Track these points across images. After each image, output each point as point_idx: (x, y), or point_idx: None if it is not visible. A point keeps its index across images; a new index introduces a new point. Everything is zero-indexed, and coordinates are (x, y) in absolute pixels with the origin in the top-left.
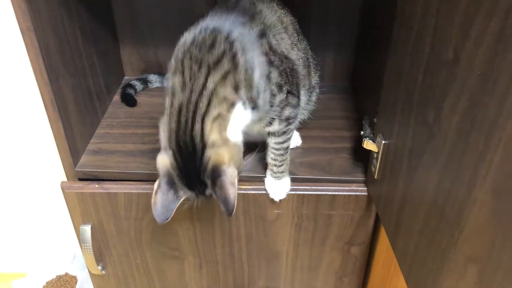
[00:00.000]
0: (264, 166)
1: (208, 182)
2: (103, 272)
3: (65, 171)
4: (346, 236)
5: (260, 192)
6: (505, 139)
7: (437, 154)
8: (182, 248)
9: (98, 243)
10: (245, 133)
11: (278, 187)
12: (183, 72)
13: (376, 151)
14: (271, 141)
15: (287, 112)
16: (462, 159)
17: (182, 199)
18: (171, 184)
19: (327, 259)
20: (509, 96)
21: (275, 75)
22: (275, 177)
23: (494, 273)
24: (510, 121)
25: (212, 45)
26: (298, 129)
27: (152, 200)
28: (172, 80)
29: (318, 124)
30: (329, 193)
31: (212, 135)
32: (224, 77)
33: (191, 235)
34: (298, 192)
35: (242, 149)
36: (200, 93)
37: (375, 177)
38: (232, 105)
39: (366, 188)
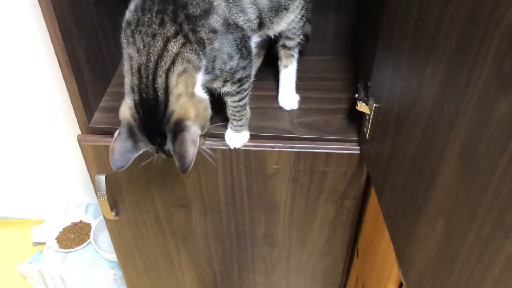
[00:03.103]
0: (263, 124)
1: (170, 135)
2: (117, 217)
3: (79, 128)
4: (340, 190)
5: (260, 148)
6: (470, 109)
7: (418, 119)
8: (189, 198)
9: (112, 191)
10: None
11: (236, 139)
12: (135, 43)
13: (368, 113)
14: (228, 100)
15: (239, 75)
16: (436, 126)
17: (141, 151)
18: (130, 134)
19: (322, 211)
20: (477, 68)
21: (226, 45)
22: (234, 130)
23: (457, 224)
24: (476, 93)
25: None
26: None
27: (110, 147)
28: (127, 51)
29: (317, 86)
30: (324, 151)
31: (178, 89)
32: (184, 44)
33: (197, 186)
34: (296, 150)
35: (209, 109)
36: (160, 55)
37: (367, 138)
38: (198, 68)
39: (359, 147)
